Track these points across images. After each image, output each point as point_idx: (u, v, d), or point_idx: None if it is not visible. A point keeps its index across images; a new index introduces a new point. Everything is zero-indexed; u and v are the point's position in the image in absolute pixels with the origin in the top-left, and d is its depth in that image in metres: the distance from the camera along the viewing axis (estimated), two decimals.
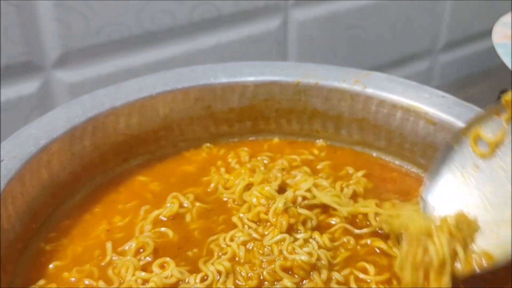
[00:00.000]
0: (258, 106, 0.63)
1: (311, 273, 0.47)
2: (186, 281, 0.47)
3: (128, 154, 0.60)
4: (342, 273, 0.48)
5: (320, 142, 0.64)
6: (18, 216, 0.50)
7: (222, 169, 0.60)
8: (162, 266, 0.48)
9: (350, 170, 0.60)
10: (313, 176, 0.58)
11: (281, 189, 0.55)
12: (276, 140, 0.65)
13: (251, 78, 0.62)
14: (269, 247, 0.48)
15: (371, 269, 0.48)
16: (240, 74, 0.62)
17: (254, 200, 0.52)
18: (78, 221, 0.54)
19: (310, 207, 0.53)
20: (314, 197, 0.53)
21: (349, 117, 0.62)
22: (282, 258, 0.47)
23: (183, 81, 0.61)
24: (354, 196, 0.56)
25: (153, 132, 0.61)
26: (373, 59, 0.97)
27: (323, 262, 0.47)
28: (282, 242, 0.48)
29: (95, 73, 0.75)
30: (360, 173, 0.59)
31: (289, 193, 0.52)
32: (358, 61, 0.96)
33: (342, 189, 0.56)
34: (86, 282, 0.48)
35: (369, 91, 0.60)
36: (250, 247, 0.49)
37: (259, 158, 0.61)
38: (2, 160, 0.49)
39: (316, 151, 0.63)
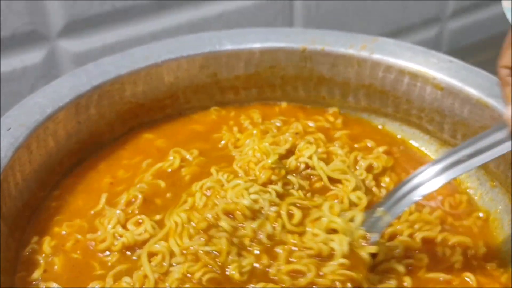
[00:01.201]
0: (263, 73, 0.63)
1: (248, 221, 0.47)
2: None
3: (134, 123, 0.60)
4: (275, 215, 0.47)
5: (333, 110, 0.64)
6: (26, 184, 0.51)
7: (235, 128, 0.60)
8: (138, 223, 0.49)
9: (369, 143, 0.59)
10: (328, 143, 0.57)
11: (290, 153, 0.55)
12: (284, 104, 0.64)
13: (257, 45, 0.61)
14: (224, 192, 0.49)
15: (298, 214, 0.48)
16: (245, 41, 0.61)
17: (250, 152, 0.53)
18: (83, 179, 0.55)
19: (310, 177, 0.53)
20: (315, 167, 0.53)
21: (356, 83, 0.62)
22: (230, 202, 0.48)
23: (188, 48, 0.60)
24: (370, 169, 0.55)
25: (159, 100, 0.61)
26: (380, 26, 0.96)
27: (264, 211, 0.47)
28: (237, 188, 0.49)
29: (100, 43, 0.74)
30: (381, 149, 0.58)
31: (292, 161, 0.53)
32: (366, 28, 0.95)
33: (357, 161, 0.56)
34: (78, 236, 0.49)
35: (376, 56, 0.60)
36: (209, 194, 0.50)
37: (272, 121, 0.61)
38: (9, 128, 0.49)
39: (331, 118, 0.62)
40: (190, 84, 0.61)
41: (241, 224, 0.47)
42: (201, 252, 0.44)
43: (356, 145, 0.59)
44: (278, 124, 0.61)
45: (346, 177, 0.52)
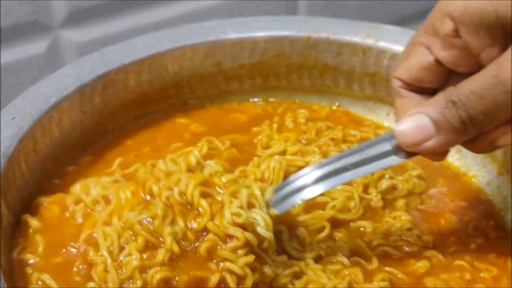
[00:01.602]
0: (268, 62, 0.62)
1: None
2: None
3: (138, 112, 0.60)
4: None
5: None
6: (31, 173, 0.50)
7: (275, 126, 0.59)
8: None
9: (408, 166, 0.56)
10: None
11: None
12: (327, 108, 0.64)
13: (261, 34, 0.61)
14: None
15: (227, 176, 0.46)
16: (250, 30, 0.61)
17: (263, 166, 0.52)
18: (103, 155, 0.55)
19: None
20: None
21: (361, 72, 0.61)
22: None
23: (192, 37, 0.60)
24: (389, 191, 0.53)
25: (163, 90, 0.60)
26: (385, 15, 0.96)
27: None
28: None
29: (103, 33, 0.74)
30: (414, 172, 0.55)
31: None
32: (370, 17, 0.94)
33: (380, 179, 0.53)
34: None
35: (381, 44, 0.59)
36: None
37: (319, 123, 0.60)
38: (14, 118, 0.49)
39: (383, 133, 0.59)
40: (194, 73, 0.61)
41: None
42: (138, 227, 0.42)
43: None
44: (322, 127, 0.59)
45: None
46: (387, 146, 0.43)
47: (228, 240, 0.42)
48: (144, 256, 0.41)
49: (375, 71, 0.61)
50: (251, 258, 0.42)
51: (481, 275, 0.47)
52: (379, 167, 0.44)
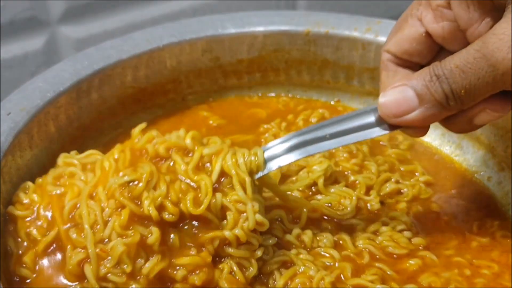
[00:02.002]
0: (267, 57, 0.62)
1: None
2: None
3: (136, 107, 0.59)
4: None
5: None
6: (28, 169, 0.50)
7: (284, 124, 0.59)
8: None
9: (418, 172, 0.55)
10: (368, 157, 0.54)
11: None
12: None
13: (260, 28, 0.60)
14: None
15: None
16: (248, 24, 0.61)
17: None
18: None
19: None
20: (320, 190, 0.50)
21: (361, 67, 0.61)
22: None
23: (191, 32, 0.60)
24: (395, 194, 0.52)
25: (161, 85, 0.60)
26: (385, 10, 0.95)
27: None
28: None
29: (101, 28, 0.74)
30: (422, 178, 0.54)
31: (303, 173, 0.51)
32: (370, 11, 0.94)
33: (385, 182, 0.53)
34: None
35: (382, 39, 0.59)
36: None
37: None
38: (9, 113, 0.49)
39: (400, 138, 0.59)
40: (192, 68, 0.61)
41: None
42: (118, 193, 0.40)
43: (402, 168, 0.55)
44: None
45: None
46: (369, 119, 0.43)
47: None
48: (131, 232, 0.40)
49: (375, 66, 0.60)
50: (261, 251, 0.43)
51: (482, 271, 0.46)
52: (359, 138, 0.44)
